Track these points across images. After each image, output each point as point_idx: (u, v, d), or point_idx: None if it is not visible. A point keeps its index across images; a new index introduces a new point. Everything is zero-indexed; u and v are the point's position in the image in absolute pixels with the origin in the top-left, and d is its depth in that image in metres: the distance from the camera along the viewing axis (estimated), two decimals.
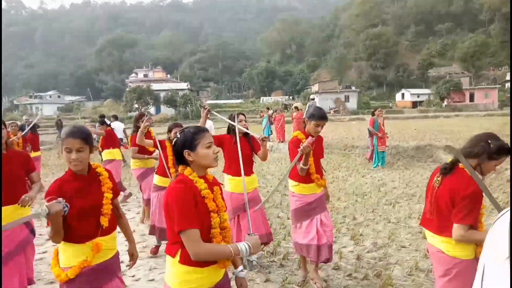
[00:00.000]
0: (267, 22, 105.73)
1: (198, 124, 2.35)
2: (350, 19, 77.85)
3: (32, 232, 2.96)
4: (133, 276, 3.71)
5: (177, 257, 1.72)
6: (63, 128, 2.31)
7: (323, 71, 67.99)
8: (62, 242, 2.03)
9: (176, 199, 1.68)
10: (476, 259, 2.16)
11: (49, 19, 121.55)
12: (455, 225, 2.09)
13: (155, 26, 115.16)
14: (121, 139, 10.17)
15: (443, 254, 2.21)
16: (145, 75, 61.37)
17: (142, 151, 5.10)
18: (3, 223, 2.54)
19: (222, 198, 1.88)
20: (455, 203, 2.09)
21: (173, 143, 1.84)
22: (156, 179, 4.31)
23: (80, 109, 53.35)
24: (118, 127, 10.61)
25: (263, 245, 3.77)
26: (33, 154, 7.43)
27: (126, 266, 2.43)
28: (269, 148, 14.08)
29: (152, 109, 43.70)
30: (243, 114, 3.86)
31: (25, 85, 75.06)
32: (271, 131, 14.81)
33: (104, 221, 2.06)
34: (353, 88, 49.81)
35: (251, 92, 69.02)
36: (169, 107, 42.36)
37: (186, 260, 1.71)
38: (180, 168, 1.83)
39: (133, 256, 2.38)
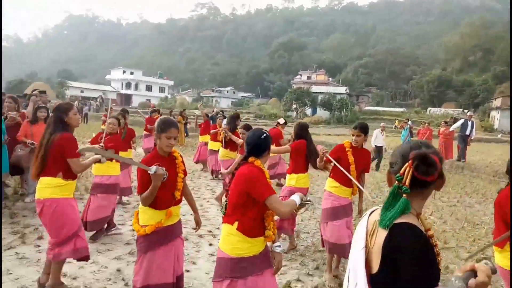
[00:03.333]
0: (451, 25, 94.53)
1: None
2: None
3: None
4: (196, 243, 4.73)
5: (235, 225, 2.23)
6: (164, 119, 2.80)
7: None
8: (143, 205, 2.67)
9: (258, 176, 2.25)
10: None
11: (237, 23, 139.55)
12: None
13: (326, 29, 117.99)
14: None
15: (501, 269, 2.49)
16: (308, 77, 64.14)
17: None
18: None
19: None
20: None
21: (263, 136, 2.40)
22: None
23: (249, 104, 60.04)
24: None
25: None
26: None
27: (193, 229, 3.15)
28: None
29: (308, 111, 45.65)
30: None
31: (210, 80, 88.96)
32: None
33: (177, 194, 2.74)
34: None
35: (418, 101, 63.60)
36: (325, 109, 43.41)
37: (242, 228, 2.22)
38: (251, 159, 2.38)
39: (198, 223, 3.03)
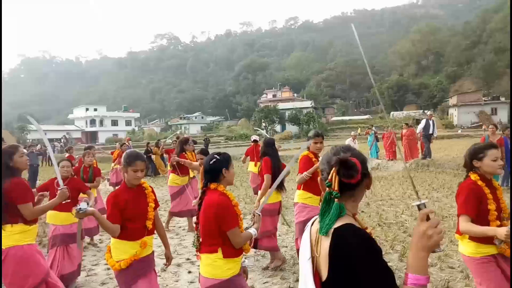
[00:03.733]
0: (402, 33, 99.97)
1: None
2: (503, 21, 67.19)
3: None
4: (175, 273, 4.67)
5: (220, 253, 2.31)
6: (129, 152, 2.85)
7: (465, 82, 60.30)
8: (116, 240, 2.67)
9: (225, 207, 2.31)
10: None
11: (197, 50, 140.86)
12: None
13: (286, 48, 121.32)
14: None
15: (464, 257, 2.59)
16: (274, 95, 65.32)
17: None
18: None
19: None
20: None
21: (211, 162, 2.44)
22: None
23: (219, 128, 60.12)
24: None
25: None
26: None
27: (164, 264, 3.05)
28: (376, 165, 13.81)
29: (277, 127, 46.25)
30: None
31: (177, 108, 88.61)
32: (378, 148, 14.44)
33: (149, 224, 2.75)
34: (503, 99, 42.84)
35: (380, 107, 66.19)
36: (293, 124, 44.17)
37: (227, 254, 2.32)
38: (213, 185, 2.41)
39: (168, 259, 3.00)
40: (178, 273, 4.55)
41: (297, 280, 4.06)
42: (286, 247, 5.33)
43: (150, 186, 2.92)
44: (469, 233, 2.37)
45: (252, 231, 2.43)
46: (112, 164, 10.71)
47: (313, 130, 4.12)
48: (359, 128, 42.44)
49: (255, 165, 8.15)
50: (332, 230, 1.25)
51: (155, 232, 2.89)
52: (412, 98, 62.97)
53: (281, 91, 66.52)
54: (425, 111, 52.18)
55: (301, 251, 1.40)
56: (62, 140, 42.66)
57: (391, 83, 64.21)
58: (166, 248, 3.02)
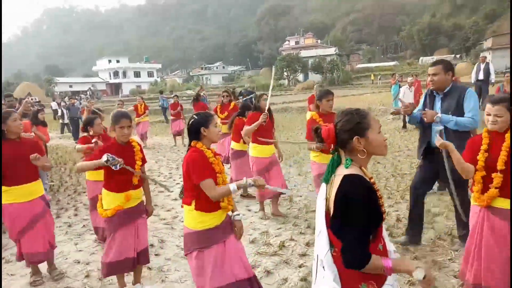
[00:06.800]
0: None
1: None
2: None
3: (47, 204, 3.47)
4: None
5: (193, 205, 2.42)
6: (115, 112, 3.07)
7: (505, 22, 55.79)
8: (105, 190, 2.99)
9: (193, 161, 2.38)
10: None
11: None
12: None
13: None
14: None
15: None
16: (297, 42, 63.20)
17: None
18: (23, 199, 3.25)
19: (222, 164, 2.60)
20: None
21: (190, 122, 2.46)
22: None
23: (240, 77, 59.49)
24: None
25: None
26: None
27: (142, 217, 3.16)
28: (398, 117, 13.53)
29: (300, 76, 45.32)
30: (266, 95, 4.61)
31: (199, 58, 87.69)
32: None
33: (135, 180, 3.02)
34: None
35: (409, 52, 62.95)
36: (316, 73, 43.15)
37: (199, 207, 2.41)
38: (193, 142, 2.47)
39: (148, 212, 3.24)
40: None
41: (309, 227, 4.39)
42: (301, 196, 5.63)
43: (138, 144, 3.14)
44: None
45: (232, 186, 2.38)
46: (137, 118, 10.79)
47: (322, 89, 4.17)
48: (372, 74, 41.59)
49: None
50: (342, 176, 1.53)
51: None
52: (444, 42, 59.29)
53: (304, 38, 64.17)
54: (457, 56, 49.46)
55: (319, 193, 1.68)
56: (88, 92, 43.76)
57: (423, 25, 60.32)
58: (147, 203, 3.25)
